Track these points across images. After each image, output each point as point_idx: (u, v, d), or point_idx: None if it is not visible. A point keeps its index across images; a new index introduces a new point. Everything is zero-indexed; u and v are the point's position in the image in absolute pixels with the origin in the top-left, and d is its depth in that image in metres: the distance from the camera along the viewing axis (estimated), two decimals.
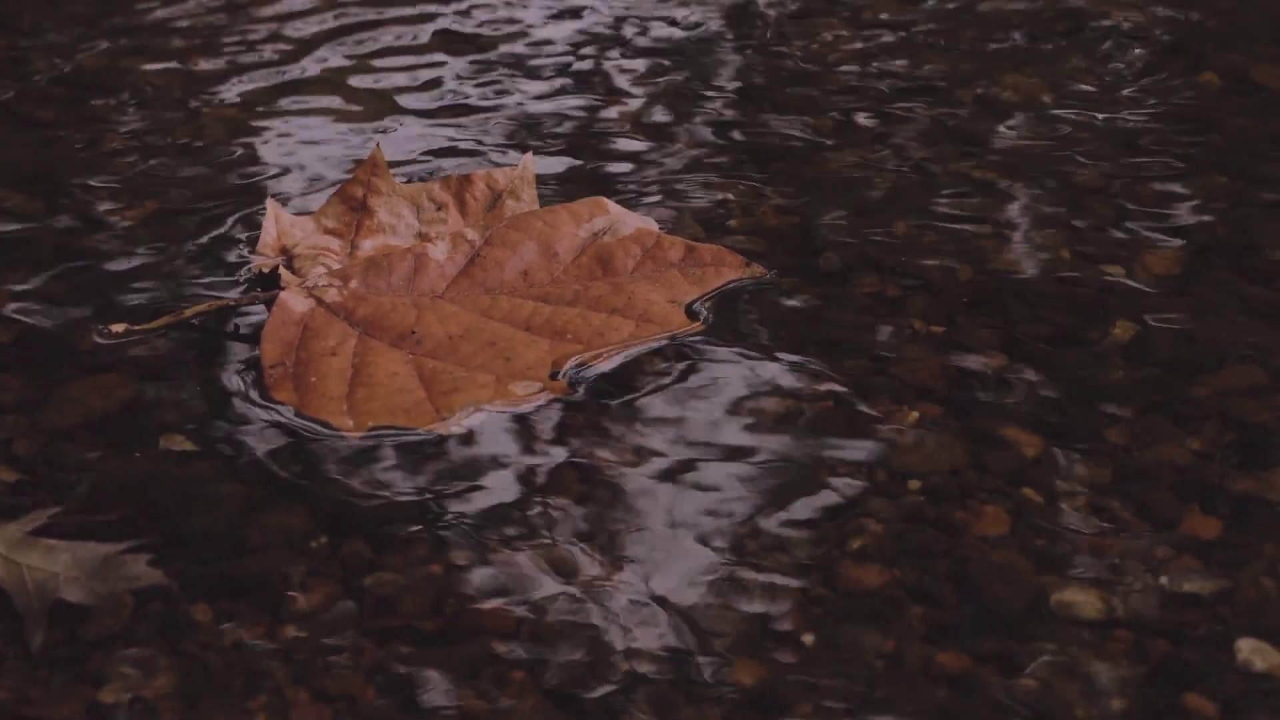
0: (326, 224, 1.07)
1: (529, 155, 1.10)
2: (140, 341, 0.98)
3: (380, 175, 1.08)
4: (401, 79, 1.39)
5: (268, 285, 1.03)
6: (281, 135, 1.29)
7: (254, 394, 0.93)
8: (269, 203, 1.09)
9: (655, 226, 1.04)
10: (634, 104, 1.33)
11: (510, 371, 0.92)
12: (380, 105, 1.34)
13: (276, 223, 1.07)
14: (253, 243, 1.09)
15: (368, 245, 1.06)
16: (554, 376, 0.92)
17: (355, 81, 1.40)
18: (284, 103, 1.35)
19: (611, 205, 1.05)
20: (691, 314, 0.98)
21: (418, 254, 1.02)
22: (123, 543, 0.80)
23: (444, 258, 1.02)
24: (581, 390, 0.92)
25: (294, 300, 0.99)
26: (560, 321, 0.97)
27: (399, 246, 1.05)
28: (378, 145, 1.11)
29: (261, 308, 1.01)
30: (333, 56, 1.45)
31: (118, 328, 0.99)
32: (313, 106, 1.34)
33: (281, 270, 1.02)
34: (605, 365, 0.94)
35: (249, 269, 1.06)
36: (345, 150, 1.25)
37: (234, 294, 1.03)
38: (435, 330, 0.96)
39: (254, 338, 0.98)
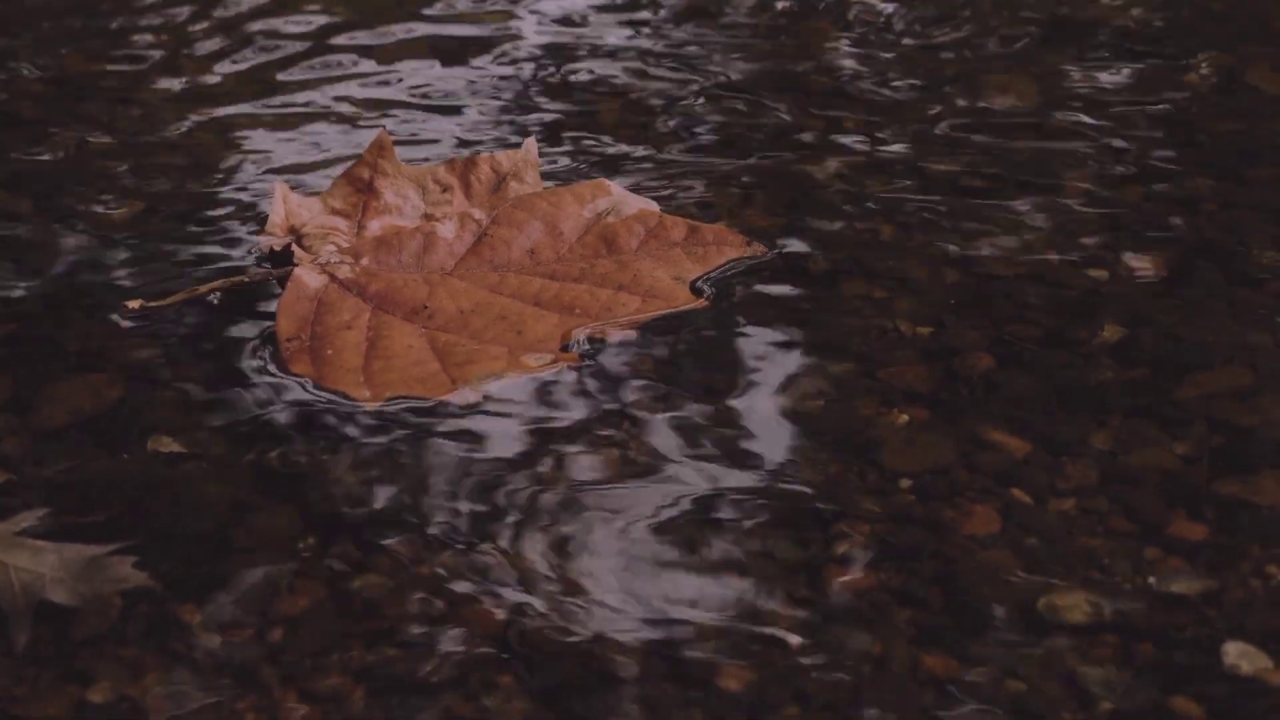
0: (333, 205, 1.09)
1: (531, 139, 1.12)
2: (155, 319, 1.00)
3: (386, 157, 1.10)
4: (392, 80, 1.39)
5: (278, 264, 1.04)
6: (271, 133, 1.28)
7: (271, 366, 0.95)
8: (277, 184, 1.11)
9: (657, 208, 1.06)
10: (621, 105, 1.33)
11: (522, 344, 0.95)
12: (371, 103, 1.34)
13: (285, 203, 1.09)
14: (260, 222, 1.10)
15: (375, 226, 1.07)
16: (564, 349, 0.94)
17: (346, 80, 1.39)
18: (274, 101, 1.35)
19: (614, 186, 1.07)
20: (696, 291, 1.01)
21: (427, 233, 1.05)
22: (110, 544, 0.80)
23: (452, 236, 1.04)
24: (590, 362, 0.94)
25: (308, 276, 1.01)
26: (568, 297, 0.99)
27: (405, 227, 1.06)
28: (384, 128, 1.13)
29: (272, 286, 1.03)
30: (323, 56, 1.45)
31: (134, 304, 1.01)
32: (304, 104, 1.34)
33: (295, 247, 1.04)
34: (613, 339, 0.97)
35: (259, 247, 1.08)
36: (334, 148, 1.25)
37: (247, 272, 1.05)
38: (447, 305, 0.99)
39: (260, 314, 1.00)
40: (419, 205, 1.08)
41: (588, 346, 0.96)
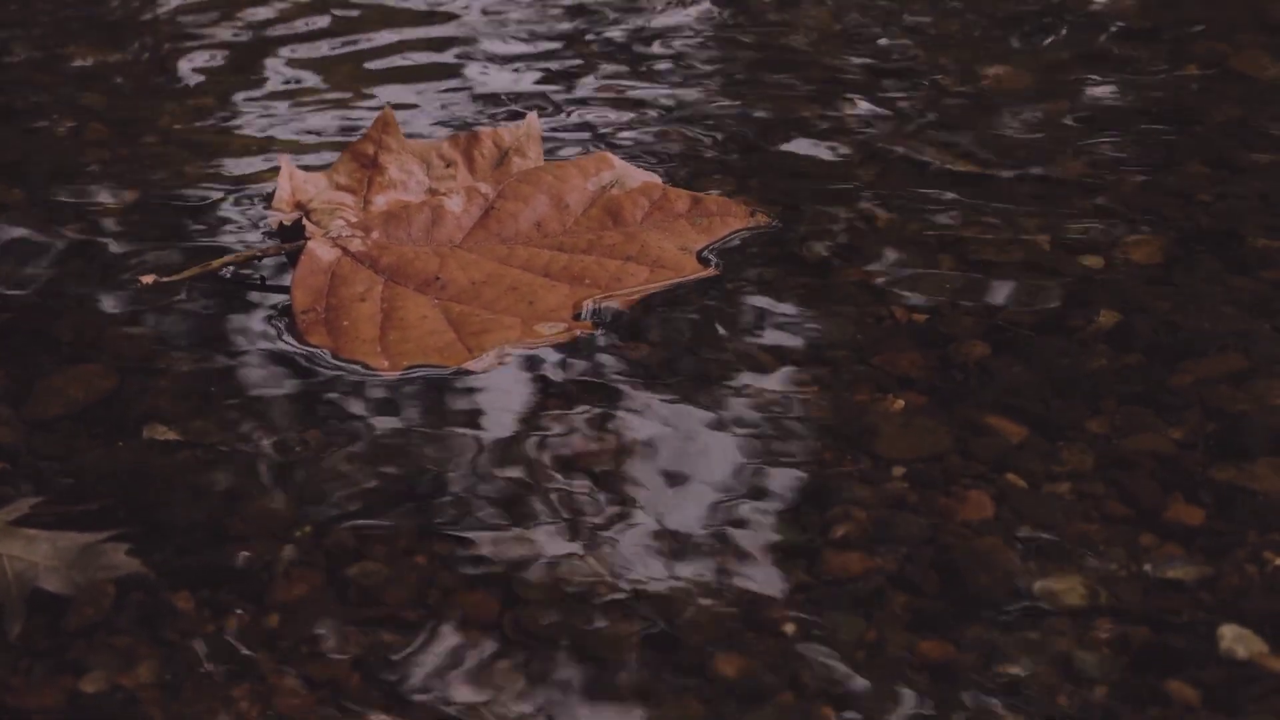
0: (339, 180, 1.10)
1: (533, 114, 1.13)
2: (168, 294, 1.02)
3: (391, 133, 1.12)
4: (381, 74, 1.39)
5: (287, 239, 1.06)
6: (262, 126, 1.28)
7: (288, 338, 0.97)
8: (282, 160, 1.12)
9: (659, 180, 1.08)
10: (613, 91, 1.32)
11: (534, 314, 0.97)
12: (360, 94, 1.34)
13: (290, 179, 1.11)
14: (254, 210, 1.11)
15: (380, 201, 1.09)
16: (576, 318, 0.96)
17: (336, 71, 1.39)
18: (265, 92, 1.35)
19: (616, 160, 1.09)
20: (703, 260, 1.02)
21: (434, 206, 1.06)
22: (104, 532, 0.80)
23: (460, 210, 1.06)
24: (602, 331, 0.96)
25: (321, 249, 1.02)
26: (578, 268, 1.01)
27: (412, 201, 1.08)
28: (387, 105, 1.15)
29: (277, 262, 1.05)
30: (312, 49, 1.44)
31: (148, 279, 1.02)
32: (295, 95, 1.34)
33: (306, 222, 1.05)
34: (623, 309, 0.98)
35: (267, 223, 1.09)
36: (330, 133, 1.25)
37: (259, 246, 1.07)
38: (458, 277, 1.00)
39: (270, 288, 1.03)
40: (423, 180, 1.10)
41: (599, 315, 0.97)
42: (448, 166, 1.10)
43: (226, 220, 1.12)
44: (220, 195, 1.15)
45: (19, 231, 1.11)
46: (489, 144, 1.11)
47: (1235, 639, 0.72)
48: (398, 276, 1.01)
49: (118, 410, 0.91)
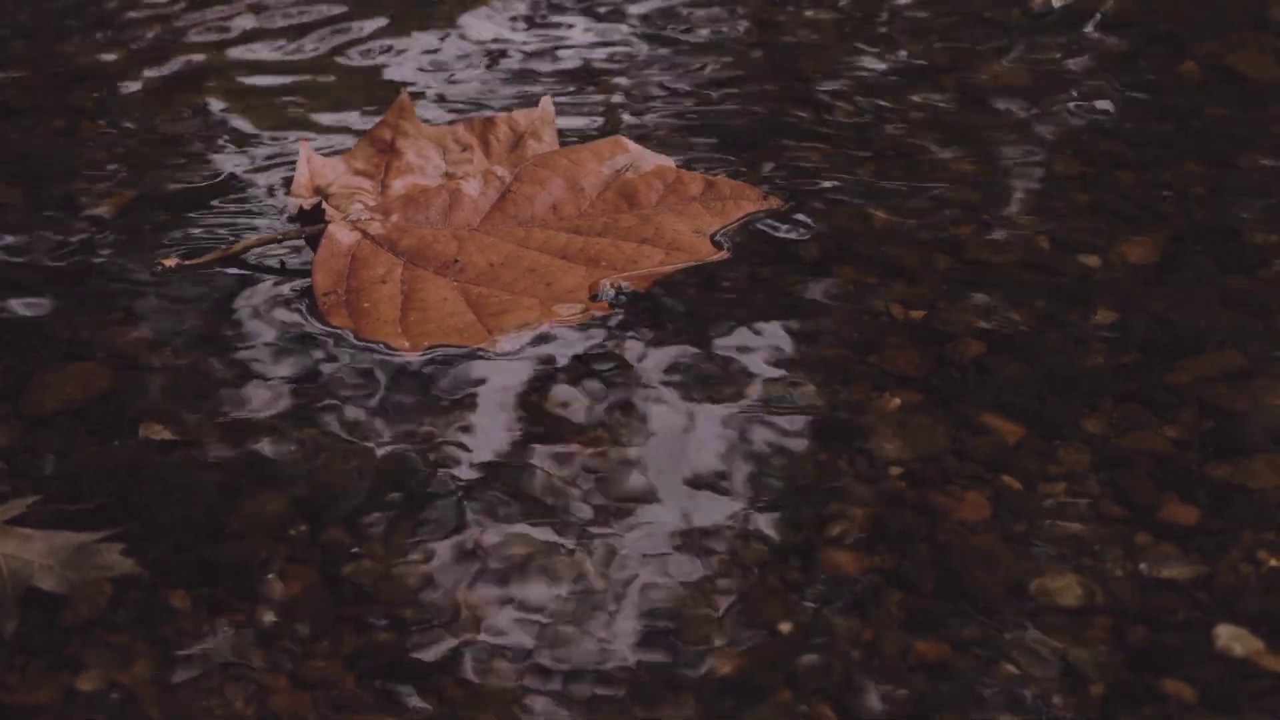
0: (356, 165, 1.12)
1: (547, 98, 1.15)
2: (192, 277, 1.03)
3: (407, 119, 1.14)
4: (375, 73, 1.39)
5: (306, 223, 1.07)
6: (259, 122, 1.28)
7: (310, 319, 0.98)
8: (301, 145, 1.14)
9: (673, 164, 1.09)
10: (612, 89, 1.33)
11: (552, 295, 0.98)
12: (357, 90, 1.34)
13: (309, 164, 1.12)
14: (285, 185, 1.14)
15: (398, 185, 1.10)
16: (593, 299, 0.98)
17: (336, 69, 1.39)
18: (261, 91, 1.35)
19: (630, 144, 1.11)
20: (716, 243, 1.04)
21: (452, 190, 1.07)
22: (100, 531, 0.80)
23: (477, 193, 1.07)
24: (619, 312, 0.97)
25: (341, 233, 1.04)
26: (594, 250, 1.02)
27: (429, 185, 1.09)
28: (402, 90, 1.16)
29: (296, 247, 1.06)
30: (311, 47, 1.44)
31: (170, 263, 1.03)
32: (293, 92, 1.34)
33: (326, 205, 1.07)
34: (640, 290, 0.99)
35: (287, 207, 1.11)
36: (328, 128, 1.25)
37: (279, 230, 1.08)
38: (477, 259, 1.02)
39: (287, 271, 1.04)
40: (440, 165, 1.12)
41: (616, 296, 0.98)
42: (463, 151, 1.12)
43: (230, 212, 1.12)
44: (224, 189, 1.15)
45: (18, 229, 1.11)
46: (504, 128, 1.13)
47: (1231, 637, 0.72)
48: (417, 259, 1.02)
49: (114, 407, 0.91)
